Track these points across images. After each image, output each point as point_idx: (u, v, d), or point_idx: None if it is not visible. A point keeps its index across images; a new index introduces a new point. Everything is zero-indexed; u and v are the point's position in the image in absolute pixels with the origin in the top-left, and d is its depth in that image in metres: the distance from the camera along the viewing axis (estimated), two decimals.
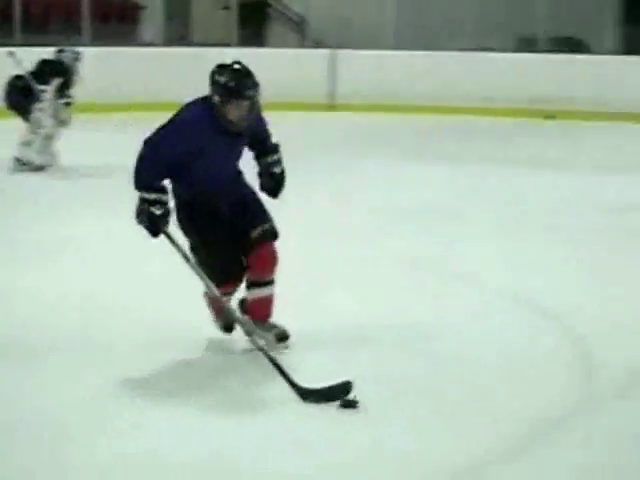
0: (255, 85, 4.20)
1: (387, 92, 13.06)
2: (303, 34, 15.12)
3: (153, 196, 4.13)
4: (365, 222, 7.08)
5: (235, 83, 4.19)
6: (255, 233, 4.27)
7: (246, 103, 4.18)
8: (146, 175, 4.18)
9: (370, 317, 4.85)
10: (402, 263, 5.85)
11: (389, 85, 13.07)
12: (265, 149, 4.42)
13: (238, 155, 4.39)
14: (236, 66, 4.28)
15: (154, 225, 4.12)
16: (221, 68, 4.25)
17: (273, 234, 4.30)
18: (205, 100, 4.28)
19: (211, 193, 4.27)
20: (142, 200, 4.13)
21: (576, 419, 3.77)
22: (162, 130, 4.21)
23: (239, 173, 4.42)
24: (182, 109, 4.31)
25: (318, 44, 14.53)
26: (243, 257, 4.32)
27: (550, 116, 12.70)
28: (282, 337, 4.39)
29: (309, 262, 5.67)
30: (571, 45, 14.17)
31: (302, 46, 14.91)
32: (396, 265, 5.83)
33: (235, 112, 4.18)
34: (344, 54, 13.64)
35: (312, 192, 7.97)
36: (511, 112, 12.76)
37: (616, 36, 14.40)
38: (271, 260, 4.32)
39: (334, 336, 4.55)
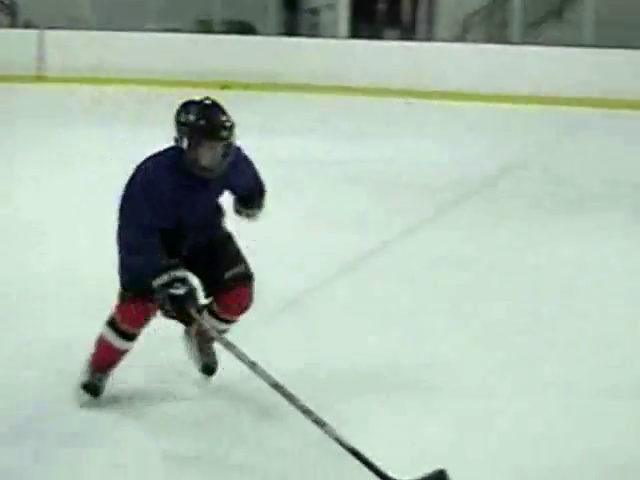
0: (230, 124, 3.48)
1: (90, 67, 14.49)
2: (14, 16, 16.39)
3: (166, 278, 3.45)
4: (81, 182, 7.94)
5: (207, 122, 3.47)
6: (228, 275, 3.70)
7: (220, 145, 3.47)
8: (147, 262, 3.48)
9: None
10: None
11: (91, 61, 14.52)
12: (251, 204, 3.84)
13: (214, 201, 3.75)
14: (207, 102, 3.56)
15: (182, 309, 3.47)
16: (188, 105, 3.55)
17: (247, 276, 3.75)
18: (167, 151, 3.60)
19: (181, 229, 3.67)
20: (158, 289, 3.46)
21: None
22: (130, 205, 3.52)
23: (217, 211, 3.79)
24: (142, 166, 3.59)
25: (28, 25, 15.87)
26: (212, 297, 3.78)
27: (225, 86, 14.32)
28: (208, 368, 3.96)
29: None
30: (241, 28, 15.98)
31: (14, 27, 16.24)
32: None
33: (208, 156, 3.47)
34: (51, 34, 15.03)
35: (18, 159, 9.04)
36: (193, 83, 13.86)
37: (278, 21, 16.40)
38: (246, 304, 3.79)
39: None
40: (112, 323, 3.72)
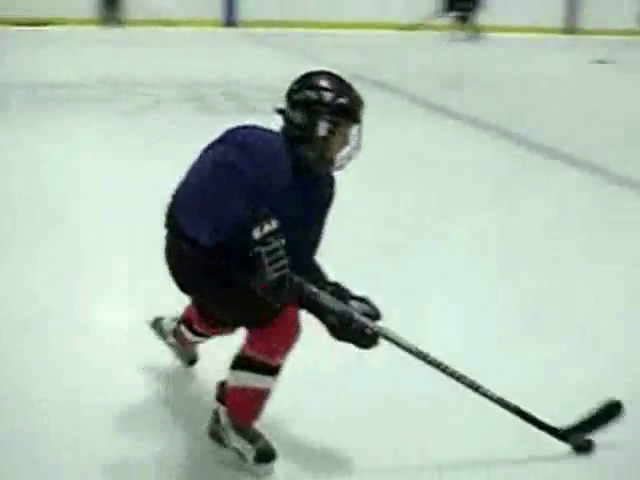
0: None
1: None
2: None
3: (274, 224, 2.64)
4: None
5: (348, 99, 2.83)
6: None
7: (355, 129, 2.85)
8: (238, 202, 2.66)
9: None
10: None
11: None
12: None
13: (313, 224, 2.93)
14: (333, 74, 2.90)
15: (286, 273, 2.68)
16: (316, 79, 2.86)
17: None
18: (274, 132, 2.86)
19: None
20: (270, 240, 2.61)
21: None
22: (227, 150, 2.71)
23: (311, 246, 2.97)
24: (254, 132, 2.82)
25: None
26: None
27: None
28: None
29: None
30: None
31: None
32: None
33: (339, 142, 2.83)
34: None
35: None
36: None
37: None
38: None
39: None
40: (249, 363, 2.85)
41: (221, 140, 2.79)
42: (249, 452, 2.88)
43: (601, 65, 14.24)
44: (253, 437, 2.90)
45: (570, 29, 21.06)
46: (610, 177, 6.84)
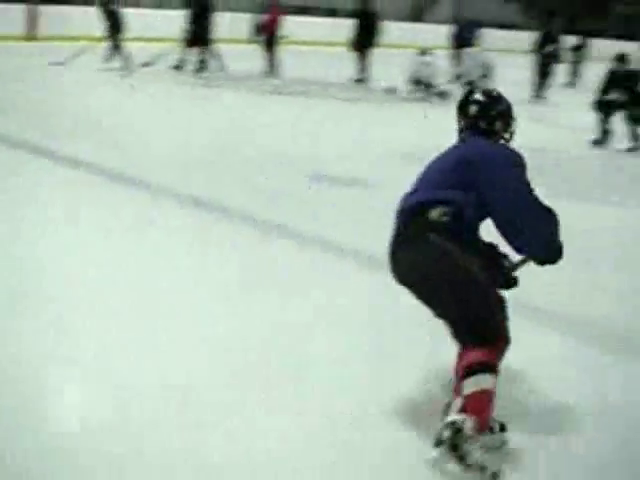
0: None
1: None
2: None
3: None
4: None
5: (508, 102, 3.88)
6: None
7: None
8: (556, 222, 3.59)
9: None
10: None
11: None
12: None
13: None
14: (488, 90, 3.94)
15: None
16: (489, 95, 3.83)
17: None
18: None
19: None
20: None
21: None
22: (520, 177, 3.51)
23: None
24: (492, 149, 3.64)
25: None
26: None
27: None
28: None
29: None
30: None
31: None
32: None
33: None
34: None
35: None
36: None
37: None
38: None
39: None
40: (492, 368, 3.28)
41: (509, 165, 3.53)
42: (492, 464, 3.14)
43: (57, 66, 17.46)
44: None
45: (30, 36, 23.58)
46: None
